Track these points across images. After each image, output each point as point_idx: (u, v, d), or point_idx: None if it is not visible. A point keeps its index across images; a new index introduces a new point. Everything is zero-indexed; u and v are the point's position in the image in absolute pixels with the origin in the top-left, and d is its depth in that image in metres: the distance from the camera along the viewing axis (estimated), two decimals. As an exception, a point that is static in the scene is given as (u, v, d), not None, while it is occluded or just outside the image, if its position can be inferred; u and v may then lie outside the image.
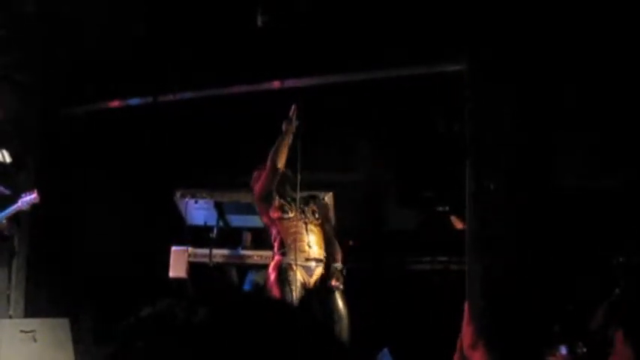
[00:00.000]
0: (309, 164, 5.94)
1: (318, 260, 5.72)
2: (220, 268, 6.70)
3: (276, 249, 5.76)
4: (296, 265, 5.59)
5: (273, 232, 5.81)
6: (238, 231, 6.96)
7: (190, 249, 6.63)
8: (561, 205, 5.69)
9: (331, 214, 6.54)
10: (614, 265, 5.33)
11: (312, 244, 5.71)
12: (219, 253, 6.65)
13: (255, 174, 5.91)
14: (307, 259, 5.64)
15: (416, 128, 6.92)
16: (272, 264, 5.74)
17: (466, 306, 1.87)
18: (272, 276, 5.64)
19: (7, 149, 5.65)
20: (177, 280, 6.61)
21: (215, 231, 6.84)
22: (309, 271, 5.66)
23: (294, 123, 5.73)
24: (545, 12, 5.65)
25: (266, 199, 5.78)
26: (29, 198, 6.36)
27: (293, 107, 5.77)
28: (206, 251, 6.59)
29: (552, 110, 5.73)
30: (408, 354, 6.01)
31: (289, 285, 5.51)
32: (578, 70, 5.61)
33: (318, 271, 5.70)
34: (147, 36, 6.81)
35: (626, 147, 5.68)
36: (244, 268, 6.73)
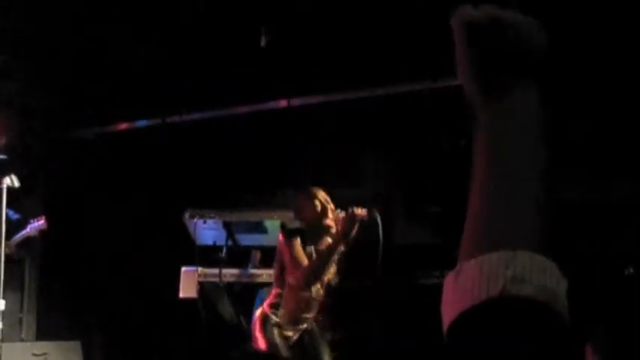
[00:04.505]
0: (315, 181, 5.96)
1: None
2: (230, 287, 6.72)
3: (271, 298, 5.14)
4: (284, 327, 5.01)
5: (277, 268, 5.18)
6: (247, 250, 6.98)
7: (200, 269, 6.64)
8: (567, 218, 5.68)
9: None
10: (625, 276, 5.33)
11: (307, 310, 5.14)
12: (229, 273, 6.66)
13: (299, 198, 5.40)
14: (295, 323, 5.09)
15: (422, 143, 6.93)
16: (258, 313, 5.12)
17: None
18: (256, 325, 5.08)
19: (16, 174, 5.68)
20: (188, 301, 6.63)
21: (224, 250, 6.86)
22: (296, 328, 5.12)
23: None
24: (548, 24, 5.66)
25: (308, 286, 5.02)
26: (37, 224, 6.40)
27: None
28: (216, 271, 6.61)
29: (556, 123, 5.73)
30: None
31: (277, 341, 4.96)
32: (583, 84, 5.61)
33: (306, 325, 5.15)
34: (153, 59, 6.86)
35: (633, 158, 5.68)
36: (254, 287, 6.73)
